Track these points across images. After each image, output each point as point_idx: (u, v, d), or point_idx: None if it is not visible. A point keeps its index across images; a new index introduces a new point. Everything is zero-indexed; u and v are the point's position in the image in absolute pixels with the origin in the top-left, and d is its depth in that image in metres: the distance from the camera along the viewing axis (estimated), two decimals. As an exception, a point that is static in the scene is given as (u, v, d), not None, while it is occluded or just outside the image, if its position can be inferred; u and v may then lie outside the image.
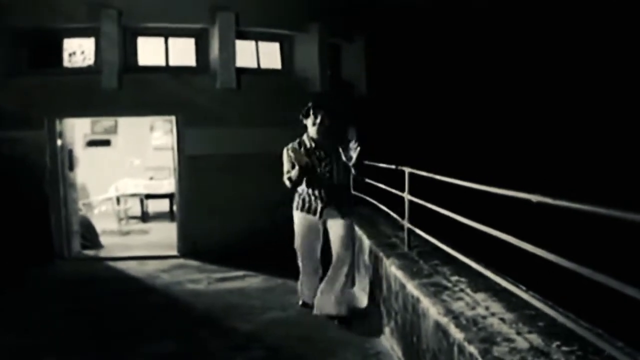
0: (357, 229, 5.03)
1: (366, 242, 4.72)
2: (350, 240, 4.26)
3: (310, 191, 4.20)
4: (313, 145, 4.19)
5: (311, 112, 4.18)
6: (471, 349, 2.16)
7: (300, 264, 4.52)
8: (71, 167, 7.43)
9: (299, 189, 4.24)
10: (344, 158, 4.06)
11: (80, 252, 7.42)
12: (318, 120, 4.15)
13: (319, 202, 4.18)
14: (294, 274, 4.72)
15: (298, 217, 4.33)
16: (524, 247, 2.15)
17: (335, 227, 4.22)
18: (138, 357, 3.76)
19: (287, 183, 4.18)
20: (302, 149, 4.16)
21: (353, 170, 4.11)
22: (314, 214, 4.22)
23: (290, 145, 4.24)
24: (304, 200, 4.26)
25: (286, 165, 4.22)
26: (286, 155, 4.23)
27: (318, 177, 4.14)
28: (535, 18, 8.83)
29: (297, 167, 4.02)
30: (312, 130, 4.21)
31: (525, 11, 8.78)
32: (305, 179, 4.14)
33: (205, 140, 7.16)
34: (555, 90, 8.78)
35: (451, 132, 8.16)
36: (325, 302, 4.26)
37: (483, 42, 8.48)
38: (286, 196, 4.56)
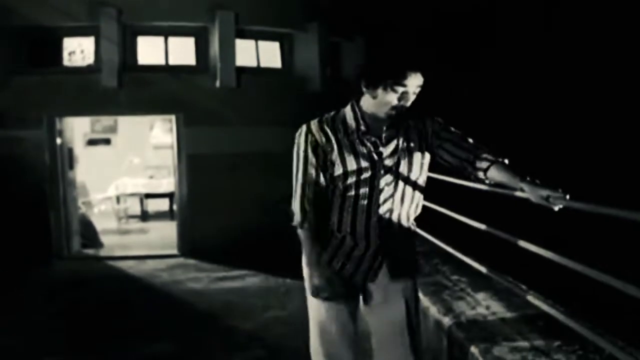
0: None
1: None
2: (414, 333, 2.03)
3: (346, 220, 1.96)
4: (363, 128, 1.94)
5: (397, 74, 1.85)
6: (472, 348, 2.16)
7: None
8: (71, 165, 7.43)
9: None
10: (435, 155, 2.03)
11: (80, 251, 7.42)
12: (410, 90, 1.88)
13: (367, 253, 1.96)
14: (294, 274, 4.70)
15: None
16: (524, 246, 2.15)
17: (388, 305, 2.02)
18: (138, 357, 3.75)
19: (297, 215, 1.98)
20: (339, 134, 1.94)
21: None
22: (362, 275, 1.99)
23: (312, 126, 1.97)
24: (336, 246, 1.99)
25: (301, 171, 1.97)
26: (306, 146, 1.96)
27: (368, 192, 1.93)
28: (537, 18, 8.83)
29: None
30: (384, 106, 1.89)
31: (526, 11, 8.78)
32: (339, 195, 1.96)
33: (205, 139, 7.16)
34: (557, 91, 8.78)
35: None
36: None
37: (484, 42, 8.48)
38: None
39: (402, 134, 1.97)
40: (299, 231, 1.98)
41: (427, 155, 2.01)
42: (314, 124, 1.97)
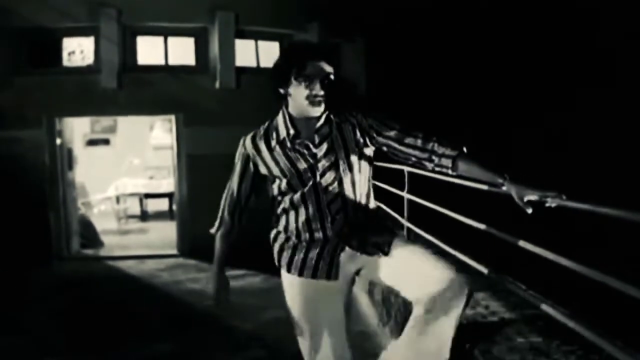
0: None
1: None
2: (435, 253, 1.91)
3: (302, 227, 1.93)
4: (292, 132, 1.92)
5: (296, 65, 1.84)
6: (471, 348, 2.16)
7: None
8: (70, 166, 7.43)
9: (282, 220, 2.01)
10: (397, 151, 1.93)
11: (79, 251, 7.42)
12: (316, 79, 1.86)
13: (325, 248, 1.90)
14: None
15: (288, 281, 2.00)
16: (523, 246, 2.15)
17: (390, 259, 1.88)
18: (138, 357, 3.76)
19: (216, 221, 2.15)
20: (271, 142, 1.96)
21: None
22: (323, 274, 1.89)
23: (247, 140, 2.01)
24: (293, 246, 1.96)
25: (235, 180, 2.03)
26: (237, 159, 2.03)
27: (314, 195, 1.89)
28: (538, 18, 8.84)
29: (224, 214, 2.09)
30: (301, 104, 1.89)
31: (527, 10, 8.78)
32: (288, 203, 1.95)
33: (205, 139, 7.16)
34: (557, 91, 8.78)
35: (452, 132, 8.16)
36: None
37: (485, 42, 8.48)
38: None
39: (335, 131, 1.93)
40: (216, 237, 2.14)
41: (368, 149, 1.97)
42: (249, 138, 2.01)
